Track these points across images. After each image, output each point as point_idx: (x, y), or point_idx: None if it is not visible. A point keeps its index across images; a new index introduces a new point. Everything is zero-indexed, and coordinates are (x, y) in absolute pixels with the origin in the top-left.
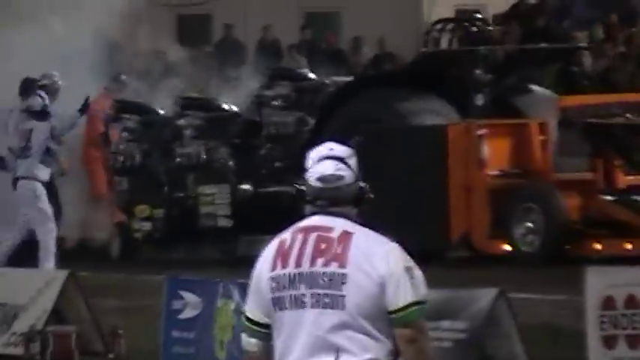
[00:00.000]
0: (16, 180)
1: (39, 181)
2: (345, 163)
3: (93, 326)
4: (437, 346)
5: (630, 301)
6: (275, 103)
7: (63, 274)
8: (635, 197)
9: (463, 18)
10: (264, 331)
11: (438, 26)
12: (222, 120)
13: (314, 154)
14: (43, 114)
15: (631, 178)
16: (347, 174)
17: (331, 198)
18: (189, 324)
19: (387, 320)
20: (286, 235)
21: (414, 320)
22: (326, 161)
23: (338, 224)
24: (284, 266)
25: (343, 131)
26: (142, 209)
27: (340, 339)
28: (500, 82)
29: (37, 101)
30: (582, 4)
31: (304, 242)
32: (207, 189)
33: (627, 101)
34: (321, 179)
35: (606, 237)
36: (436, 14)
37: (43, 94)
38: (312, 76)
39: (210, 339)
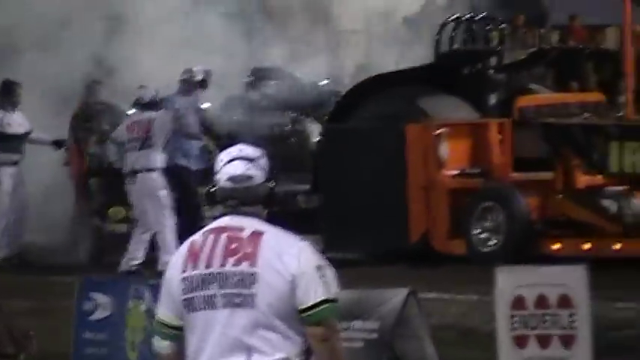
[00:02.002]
0: (134, 173)
1: (159, 170)
2: (255, 164)
3: (4, 328)
4: (348, 346)
5: (540, 301)
6: (263, 103)
7: None
8: (593, 197)
9: (477, 17)
10: (176, 333)
11: (451, 25)
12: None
13: (224, 155)
14: (152, 104)
15: (589, 177)
16: (256, 174)
17: (241, 198)
18: (101, 325)
19: (299, 319)
20: (197, 236)
21: (325, 318)
22: (236, 162)
23: (248, 224)
24: (195, 267)
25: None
26: (117, 211)
27: (252, 339)
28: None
29: (148, 93)
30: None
31: (215, 243)
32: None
33: (585, 101)
34: (231, 179)
35: (565, 237)
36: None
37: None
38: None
39: (121, 340)
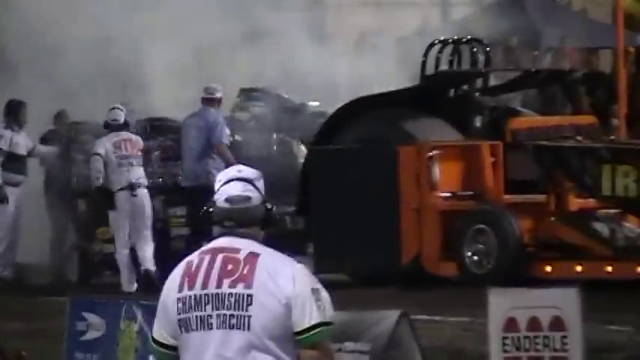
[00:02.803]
0: (133, 187)
1: None
2: (253, 185)
3: None
4: None
5: (532, 323)
6: (250, 124)
7: None
8: (585, 220)
9: (462, 40)
10: (171, 353)
11: (437, 47)
12: None
13: (222, 175)
14: (127, 124)
15: (582, 200)
16: (254, 195)
17: (238, 219)
18: (93, 345)
19: (294, 341)
20: (193, 257)
21: (319, 341)
22: (234, 182)
23: (245, 245)
24: (191, 287)
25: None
26: (104, 231)
27: None
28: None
29: (120, 113)
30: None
31: (211, 263)
32: (178, 211)
33: (578, 124)
34: (228, 200)
35: (557, 259)
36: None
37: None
38: (286, 97)
39: None
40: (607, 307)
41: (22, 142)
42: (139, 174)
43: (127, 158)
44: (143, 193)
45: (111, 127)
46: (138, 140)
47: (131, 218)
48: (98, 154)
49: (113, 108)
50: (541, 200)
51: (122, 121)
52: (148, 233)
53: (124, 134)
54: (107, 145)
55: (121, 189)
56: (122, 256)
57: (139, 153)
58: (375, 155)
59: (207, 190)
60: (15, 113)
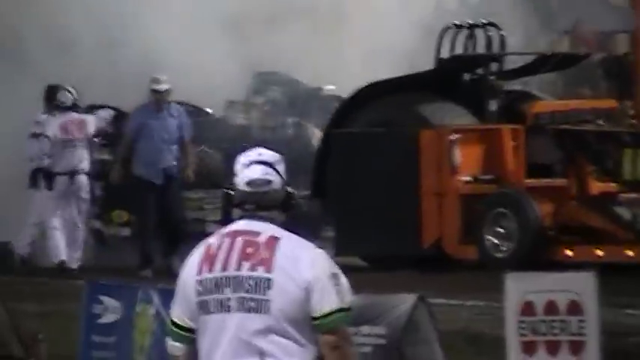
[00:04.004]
0: (74, 172)
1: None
2: (274, 169)
3: (11, 331)
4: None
5: (549, 307)
6: (266, 108)
7: None
8: (606, 204)
9: (477, 23)
10: (189, 335)
11: (451, 31)
12: (210, 125)
13: (243, 158)
14: (75, 106)
15: (603, 184)
16: (275, 179)
17: (259, 202)
18: (109, 329)
19: (312, 326)
20: (213, 239)
21: (338, 327)
22: (255, 166)
23: (265, 229)
24: (210, 270)
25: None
26: (120, 214)
27: (264, 343)
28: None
29: (68, 95)
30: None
31: (231, 246)
32: (193, 193)
33: (599, 108)
34: (249, 183)
35: (578, 243)
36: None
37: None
38: (303, 81)
39: (129, 344)
40: (624, 291)
41: None
42: (81, 158)
43: (71, 141)
44: (81, 179)
45: (59, 108)
46: (85, 122)
47: (66, 202)
48: (46, 136)
49: (63, 89)
50: (562, 184)
51: (69, 103)
52: (81, 223)
53: (68, 116)
54: (54, 127)
55: (60, 173)
56: (53, 228)
57: (84, 136)
58: (396, 139)
59: None
60: (53, 98)
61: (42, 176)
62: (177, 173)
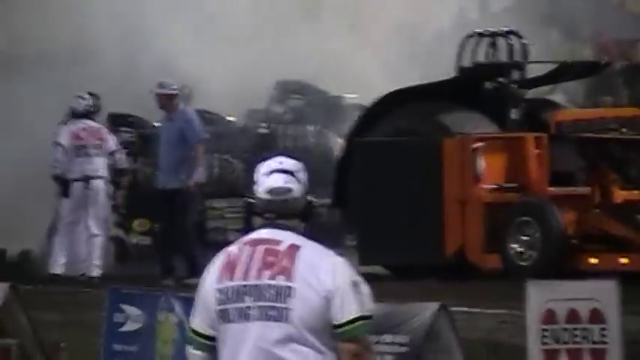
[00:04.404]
0: (89, 178)
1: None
2: (295, 177)
3: (34, 340)
4: None
5: (571, 316)
6: (287, 116)
7: (4, 286)
8: (630, 212)
9: (499, 32)
10: (209, 344)
11: (473, 40)
12: (232, 134)
13: (264, 167)
14: (89, 113)
15: (626, 192)
16: (296, 187)
17: (279, 211)
18: (131, 337)
19: (333, 334)
20: (234, 247)
21: (358, 335)
22: (275, 174)
23: (286, 237)
24: (231, 278)
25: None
26: (142, 223)
27: (285, 352)
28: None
29: (82, 102)
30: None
31: (252, 255)
32: (215, 202)
33: (622, 116)
34: (270, 192)
35: (602, 252)
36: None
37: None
38: (323, 89)
39: (151, 352)
40: None
41: None
42: (96, 165)
43: (85, 148)
44: (97, 184)
45: (73, 115)
46: (99, 130)
47: (84, 209)
48: (59, 144)
49: (77, 96)
50: (585, 192)
51: (81, 109)
52: (98, 230)
53: (82, 123)
54: (66, 135)
55: (76, 180)
56: (64, 239)
57: (99, 142)
58: (419, 147)
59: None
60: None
61: (58, 184)
62: (179, 180)
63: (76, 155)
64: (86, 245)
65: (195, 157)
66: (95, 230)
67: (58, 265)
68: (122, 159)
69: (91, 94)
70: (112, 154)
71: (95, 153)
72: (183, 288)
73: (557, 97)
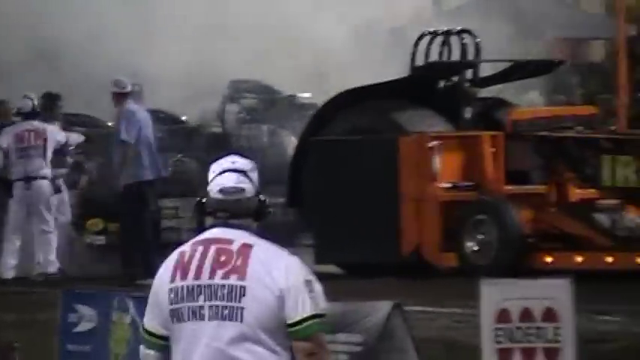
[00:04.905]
0: (29, 179)
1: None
2: (247, 176)
3: None
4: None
5: (525, 314)
6: (241, 115)
7: None
8: (586, 210)
9: (452, 30)
10: (162, 343)
11: (426, 39)
12: (186, 133)
13: (216, 166)
14: (35, 114)
15: (582, 191)
16: (248, 187)
17: (232, 210)
18: (85, 337)
19: (287, 333)
20: (186, 247)
21: (312, 334)
22: (228, 174)
23: (238, 237)
24: (183, 278)
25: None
26: (95, 223)
27: (239, 351)
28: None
29: (28, 102)
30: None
31: (204, 254)
32: (169, 202)
33: (578, 114)
34: (222, 191)
35: (558, 250)
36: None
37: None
38: (276, 88)
39: (105, 352)
40: (600, 297)
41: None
42: (37, 165)
43: (26, 150)
44: (39, 184)
45: (20, 115)
46: (44, 130)
47: (27, 209)
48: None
49: (24, 97)
50: (541, 191)
51: (28, 109)
52: (47, 227)
53: (27, 124)
54: (9, 136)
55: (18, 180)
56: (11, 243)
57: (41, 143)
58: (374, 146)
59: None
60: (50, 106)
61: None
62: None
63: (19, 156)
64: (37, 243)
65: (122, 158)
66: (44, 227)
67: (8, 270)
68: (72, 137)
69: (49, 94)
70: (63, 147)
71: (37, 153)
72: (137, 288)
73: (533, 96)
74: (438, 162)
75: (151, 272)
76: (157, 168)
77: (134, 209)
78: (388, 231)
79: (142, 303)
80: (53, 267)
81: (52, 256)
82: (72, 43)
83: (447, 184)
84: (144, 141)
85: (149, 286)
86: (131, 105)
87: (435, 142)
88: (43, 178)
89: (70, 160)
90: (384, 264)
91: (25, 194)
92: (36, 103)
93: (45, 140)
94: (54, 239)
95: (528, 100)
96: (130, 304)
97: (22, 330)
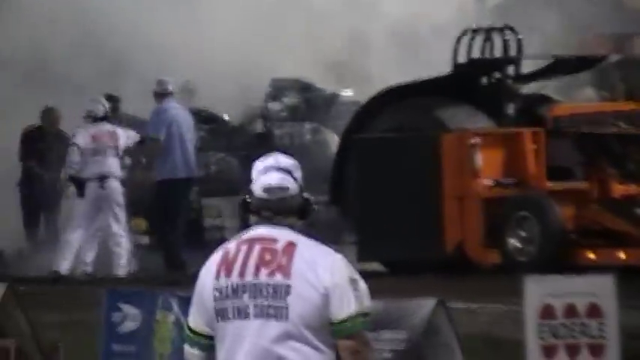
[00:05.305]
0: (103, 178)
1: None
2: (291, 175)
3: (32, 340)
4: (378, 357)
5: (569, 311)
6: (283, 114)
7: (2, 286)
8: (628, 206)
9: (494, 27)
10: (207, 342)
11: (469, 35)
12: (228, 132)
13: (260, 165)
14: (105, 117)
15: (625, 187)
16: (292, 185)
17: (276, 209)
18: (129, 337)
19: (331, 331)
20: (231, 245)
21: (356, 332)
22: (271, 172)
23: (282, 235)
24: (227, 276)
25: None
26: (139, 223)
27: (283, 350)
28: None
29: (100, 106)
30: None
31: (248, 253)
32: (212, 201)
33: (620, 110)
34: (266, 190)
35: (600, 247)
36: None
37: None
38: (319, 87)
39: (149, 352)
40: None
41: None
42: (112, 165)
43: (101, 151)
44: (113, 185)
45: (91, 118)
46: (116, 132)
47: (98, 209)
48: (76, 145)
49: (92, 99)
50: (583, 187)
51: (102, 114)
52: (121, 229)
53: (101, 126)
54: (86, 137)
55: (91, 179)
56: (72, 239)
57: (116, 144)
58: (417, 143)
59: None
60: (112, 107)
61: (74, 184)
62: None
63: (93, 155)
64: (109, 245)
65: (149, 153)
66: (118, 228)
67: (64, 264)
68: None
69: (110, 95)
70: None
71: (111, 154)
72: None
73: (589, 92)
74: (480, 159)
75: (175, 268)
76: (190, 167)
77: (165, 205)
78: (431, 228)
79: (185, 302)
80: (123, 270)
81: (124, 260)
82: (114, 36)
83: (489, 180)
84: (176, 139)
85: (193, 285)
86: (166, 103)
87: (476, 139)
88: (117, 178)
89: (127, 161)
90: (426, 261)
91: (99, 194)
92: (107, 106)
93: (117, 141)
94: (126, 244)
95: (584, 96)
96: (174, 303)
97: (66, 329)
